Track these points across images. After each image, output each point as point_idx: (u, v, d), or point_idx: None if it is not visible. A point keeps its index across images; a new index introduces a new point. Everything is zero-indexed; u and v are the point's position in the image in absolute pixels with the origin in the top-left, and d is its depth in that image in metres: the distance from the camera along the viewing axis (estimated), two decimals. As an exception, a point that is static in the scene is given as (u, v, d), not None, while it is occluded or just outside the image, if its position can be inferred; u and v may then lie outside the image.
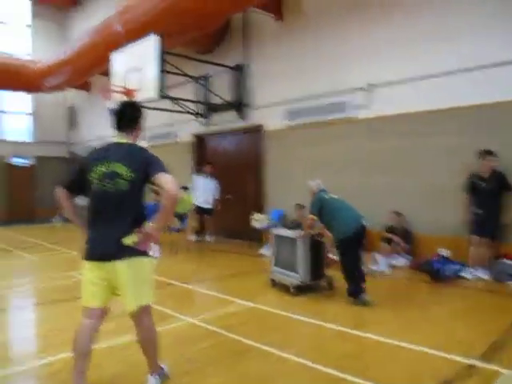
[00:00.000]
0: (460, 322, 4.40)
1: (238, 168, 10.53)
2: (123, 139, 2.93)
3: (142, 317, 2.87)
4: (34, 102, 17.39)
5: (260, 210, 9.39)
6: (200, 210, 9.83)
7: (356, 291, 5.03)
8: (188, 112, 10.52)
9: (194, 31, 9.20)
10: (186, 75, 10.21)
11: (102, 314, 2.88)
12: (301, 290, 5.47)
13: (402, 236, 7.02)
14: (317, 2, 8.60)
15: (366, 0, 7.75)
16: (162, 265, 7.64)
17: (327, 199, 5.37)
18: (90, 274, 2.79)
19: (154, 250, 7.75)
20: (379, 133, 7.63)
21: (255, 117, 9.91)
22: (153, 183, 2.77)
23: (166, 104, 9.82)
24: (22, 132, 17.37)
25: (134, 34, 9.21)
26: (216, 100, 10.38)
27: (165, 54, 9.07)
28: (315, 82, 8.57)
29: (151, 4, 9.03)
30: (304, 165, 8.76)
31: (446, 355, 3.44)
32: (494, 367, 3.21)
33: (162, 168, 2.77)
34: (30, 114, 17.54)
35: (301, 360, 3.42)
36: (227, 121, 10.49)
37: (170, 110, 10.13)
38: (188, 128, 11.64)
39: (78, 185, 2.92)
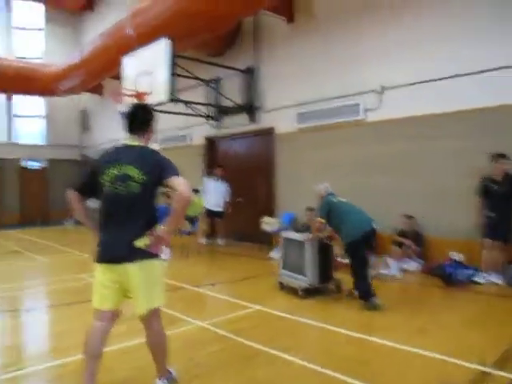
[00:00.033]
0: (473, 327, 4.32)
1: (249, 171, 10.53)
2: (135, 142, 2.93)
3: (152, 320, 2.87)
4: (47, 105, 17.59)
5: (271, 213, 9.36)
6: (210, 213, 9.86)
7: (366, 294, 4.98)
8: (199, 115, 10.55)
9: (205, 34, 9.23)
10: (197, 78, 10.25)
11: (114, 316, 2.88)
12: (309, 292, 5.47)
13: (413, 239, 6.94)
14: (327, 4, 8.57)
15: (377, 2, 7.71)
16: (172, 268, 7.68)
17: (335, 202, 5.37)
18: (102, 276, 2.79)
19: (165, 252, 7.77)
20: (388, 136, 7.58)
21: (266, 119, 9.90)
22: (165, 186, 2.77)
23: (178, 107, 9.85)
24: (35, 135, 17.58)
25: (145, 37, 9.25)
26: (227, 103, 10.39)
27: (176, 58, 9.11)
28: (325, 84, 8.54)
29: (163, 7, 9.06)
30: (314, 167, 8.73)
31: (459, 362, 3.39)
32: (509, 375, 3.15)
33: (174, 171, 2.77)
34: (43, 117, 17.74)
35: (309, 365, 3.39)
36: (238, 124, 10.50)
37: (182, 113, 10.16)
38: (199, 131, 11.67)
39: (89, 187, 2.92)
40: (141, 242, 2.71)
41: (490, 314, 4.78)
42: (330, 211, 5.29)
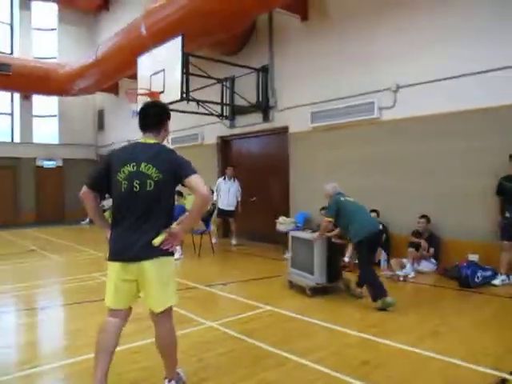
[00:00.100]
0: (487, 330, 4.21)
1: (263, 170, 10.48)
2: (151, 140, 2.89)
3: (164, 319, 2.84)
4: (61, 105, 17.78)
5: (285, 212, 9.29)
6: (223, 213, 9.88)
7: (378, 295, 4.92)
8: (213, 114, 10.53)
9: (219, 33, 9.21)
10: (211, 77, 10.23)
11: (126, 315, 2.87)
12: (317, 291, 5.51)
13: (428, 240, 6.81)
14: (341, 2, 8.47)
15: (392, 1, 7.59)
16: (184, 267, 7.70)
17: (343, 202, 5.37)
18: (115, 275, 2.76)
19: (177, 251, 7.79)
20: (403, 134, 7.47)
21: (280, 118, 9.84)
22: (183, 185, 2.75)
23: (192, 106, 9.85)
24: (50, 135, 17.78)
25: (159, 36, 9.28)
26: (241, 102, 10.36)
27: (190, 57, 9.15)
28: (340, 83, 8.45)
29: (177, 6, 9.07)
30: (328, 167, 8.65)
31: (473, 366, 3.30)
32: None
33: (192, 170, 2.74)
34: (57, 116, 17.94)
35: (321, 368, 3.33)
36: (252, 123, 10.45)
37: (196, 113, 10.15)
38: (213, 130, 11.67)
39: (102, 184, 2.87)
40: (157, 240, 2.69)
41: (505, 317, 4.66)
42: (339, 210, 5.29)
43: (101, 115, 18.35)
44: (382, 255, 7.04)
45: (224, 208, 9.81)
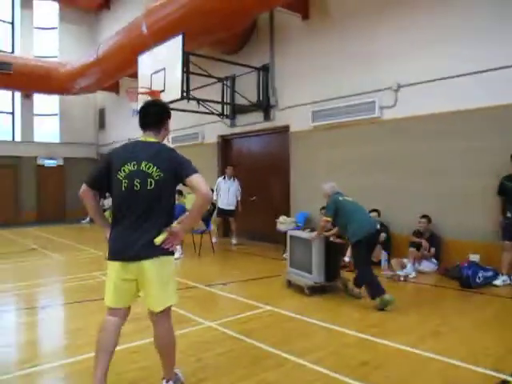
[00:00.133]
0: (490, 332, 4.18)
1: (264, 170, 10.46)
2: (151, 138, 2.87)
3: (163, 319, 2.83)
4: (61, 103, 17.78)
5: (285, 212, 9.27)
6: (223, 213, 9.88)
7: (377, 293, 4.92)
8: (214, 113, 10.51)
9: (220, 32, 9.18)
10: (211, 76, 10.21)
11: (126, 314, 2.87)
12: (315, 290, 5.52)
13: (429, 240, 6.78)
14: (343, 0, 8.44)
15: (393, 0, 7.59)
16: (184, 267, 7.69)
17: (341, 201, 5.37)
18: (115, 274, 2.74)
19: (177, 251, 7.78)
20: (404, 134, 7.44)
21: (281, 117, 9.81)
22: (184, 184, 2.74)
23: (192, 105, 9.84)
24: (51, 133, 17.78)
25: (160, 35, 9.28)
26: (242, 101, 10.34)
27: (191, 56, 9.13)
28: (341, 82, 8.42)
29: (177, 5, 9.06)
30: (329, 166, 8.63)
31: (475, 367, 3.28)
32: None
33: (193, 169, 2.73)
34: (58, 115, 17.94)
35: (320, 368, 3.31)
36: (253, 122, 10.43)
37: (196, 112, 10.14)
38: (213, 129, 11.65)
39: (102, 183, 2.85)
40: (158, 239, 2.68)
41: (506, 318, 4.64)
42: (337, 210, 5.30)
43: (102, 114, 18.35)
44: (382, 255, 7.02)
45: (224, 207, 9.81)
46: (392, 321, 4.51)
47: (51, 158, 17.44)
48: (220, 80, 10.56)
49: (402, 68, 7.45)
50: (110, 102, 17.64)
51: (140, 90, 9.33)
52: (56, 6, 17.45)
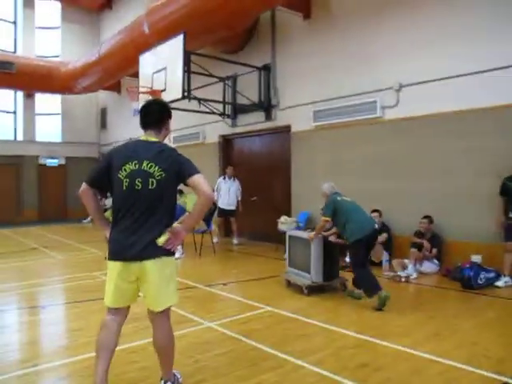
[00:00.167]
0: (491, 334, 4.15)
1: (265, 169, 10.43)
2: (152, 138, 2.86)
3: (163, 319, 2.81)
4: (63, 103, 17.80)
5: (287, 212, 9.25)
6: (223, 213, 9.86)
7: (373, 290, 4.92)
8: (215, 113, 10.49)
9: (222, 31, 9.17)
10: (212, 76, 10.19)
11: (125, 313, 2.87)
12: (313, 290, 5.53)
13: (431, 241, 6.74)
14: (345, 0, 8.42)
15: (395, 0, 7.55)
16: (185, 267, 7.67)
17: (340, 201, 5.37)
18: (115, 274, 2.72)
19: (178, 251, 7.76)
20: (405, 134, 7.41)
21: (282, 117, 9.79)
22: (186, 184, 2.73)
23: (194, 105, 9.82)
24: (52, 133, 17.80)
25: (161, 34, 9.27)
26: (243, 101, 10.32)
27: (192, 55, 9.10)
28: (342, 81, 8.39)
29: (179, 4, 9.04)
30: (330, 166, 8.60)
31: (476, 370, 3.25)
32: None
33: (196, 170, 2.73)
34: (60, 114, 17.96)
35: (320, 370, 3.28)
36: (254, 122, 10.41)
37: (197, 111, 10.12)
38: (215, 129, 11.63)
39: (102, 182, 2.84)
40: (161, 239, 2.66)
41: (508, 319, 4.60)
42: (336, 210, 5.30)
43: (103, 113, 18.36)
44: (383, 255, 6.99)
45: (224, 207, 9.80)
46: (392, 322, 4.48)
47: (53, 158, 17.47)
48: (221, 79, 10.53)
49: (403, 68, 7.41)
50: (111, 102, 17.64)
51: (141, 90, 9.32)
52: (58, 5, 17.49)
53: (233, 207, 9.83)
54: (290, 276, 6.00)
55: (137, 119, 3.01)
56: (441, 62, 6.90)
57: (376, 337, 3.98)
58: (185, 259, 8.23)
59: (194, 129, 12.23)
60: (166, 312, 2.81)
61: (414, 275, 6.46)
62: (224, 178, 10.02)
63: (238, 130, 11.04)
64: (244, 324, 4.46)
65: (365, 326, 4.33)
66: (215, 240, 9.44)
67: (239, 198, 9.92)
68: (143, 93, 9.13)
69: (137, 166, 2.70)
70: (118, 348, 2.84)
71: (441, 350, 3.63)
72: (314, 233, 5.58)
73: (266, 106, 10.00)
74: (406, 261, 6.70)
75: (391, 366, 3.39)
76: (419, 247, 6.67)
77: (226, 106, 10.74)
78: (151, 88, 9.02)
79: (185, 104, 9.24)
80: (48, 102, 17.55)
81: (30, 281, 6.69)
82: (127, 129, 15.17)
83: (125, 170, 2.71)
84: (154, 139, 2.85)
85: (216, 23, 8.69)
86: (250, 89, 10.24)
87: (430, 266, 6.70)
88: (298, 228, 7.97)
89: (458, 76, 6.68)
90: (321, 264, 5.56)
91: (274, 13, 9.76)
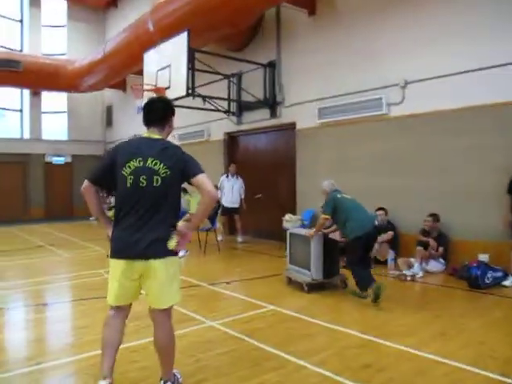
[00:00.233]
0: (497, 334, 4.07)
1: (270, 167, 10.38)
2: (155, 135, 2.85)
3: (165, 318, 2.79)
4: (69, 101, 17.84)
5: (292, 209, 9.19)
6: (227, 211, 9.83)
7: (367, 283, 4.95)
8: (220, 110, 10.45)
9: (226, 28, 9.13)
10: (217, 73, 10.15)
11: (128, 310, 2.88)
12: (313, 287, 5.52)
13: (438, 239, 6.65)
14: (350, -4, 8.35)
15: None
16: (189, 265, 7.65)
17: (340, 199, 5.36)
18: (118, 272, 2.71)
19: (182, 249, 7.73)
20: (411, 131, 7.32)
21: (287, 114, 9.72)
22: (190, 183, 2.72)
23: (198, 102, 9.78)
24: (58, 131, 17.85)
25: (166, 32, 9.25)
26: (248, 98, 10.26)
27: (197, 53, 9.07)
28: (348, 78, 8.32)
29: (183, 1, 9.02)
30: (335, 163, 8.53)
31: (482, 371, 3.18)
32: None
33: (200, 169, 2.72)
34: (66, 112, 18.00)
35: (322, 371, 3.24)
36: (259, 119, 10.36)
37: (202, 109, 10.08)
38: (220, 126, 11.60)
39: (105, 180, 2.82)
40: (171, 243, 2.66)
41: (515, 320, 4.53)
42: (336, 208, 5.29)
43: (109, 111, 18.39)
44: (389, 254, 6.93)
45: (228, 205, 9.76)
46: (397, 321, 4.42)
47: (59, 156, 17.53)
48: (226, 77, 10.49)
49: (409, 64, 7.33)
50: (117, 100, 17.66)
51: (145, 87, 9.30)
52: (64, 4, 17.54)
53: (236, 205, 9.80)
54: (290, 273, 6.01)
55: (142, 117, 2.98)
56: (446, 59, 6.81)
57: (380, 336, 3.93)
58: (189, 257, 8.21)
59: (199, 126, 12.20)
60: (168, 311, 2.79)
61: (420, 274, 6.38)
62: (227, 176, 9.99)
63: (243, 127, 10.99)
64: (247, 323, 4.42)
65: (369, 326, 4.28)
66: (219, 238, 9.41)
67: (242, 196, 9.89)
68: (147, 90, 9.11)
69: (141, 163, 2.68)
70: (121, 346, 2.84)
71: (446, 351, 3.57)
72: (313, 230, 5.55)
73: (271, 103, 9.94)
74: (412, 259, 6.63)
75: (395, 366, 3.34)
76: (425, 246, 6.59)
77: (231, 103, 10.69)
78: (155, 85, 8.99)
79: (189, 101, 9.21)
80: (54, 100, 17.60)
81: (35, 278, 6.70)
82: (133, 127, 15.15)
83: (129, 166, 2.69)
84: (157, 136, 2.84)
85: (220, 20, 8.65)
86: (254, 86, 10.19)
87: (436, 265, 6.62)
88: (303, 226, 7.91)
89: (463, 72, 6.60)
90: (321, 261, 5.56)
91: (279, 9, 9.69)
